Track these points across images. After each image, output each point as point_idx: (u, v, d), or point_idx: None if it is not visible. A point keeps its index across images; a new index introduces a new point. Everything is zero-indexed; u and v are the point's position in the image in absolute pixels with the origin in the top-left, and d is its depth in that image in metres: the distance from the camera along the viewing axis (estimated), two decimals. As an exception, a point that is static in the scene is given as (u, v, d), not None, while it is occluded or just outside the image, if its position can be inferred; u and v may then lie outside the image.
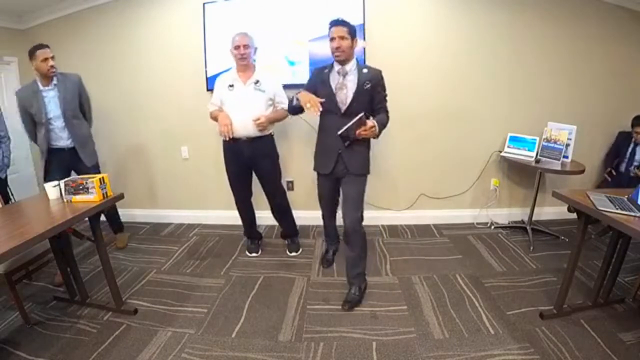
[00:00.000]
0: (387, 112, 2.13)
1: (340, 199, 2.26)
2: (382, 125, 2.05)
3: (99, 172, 2.53)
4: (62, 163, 2.53)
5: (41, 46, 2.36)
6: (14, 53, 3.35)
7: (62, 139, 2.52)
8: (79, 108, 2.60)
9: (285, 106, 2.49)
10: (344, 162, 2.10)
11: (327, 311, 2.09)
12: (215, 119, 2.48)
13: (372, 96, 2.05)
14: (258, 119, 2.33)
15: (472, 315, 2.02)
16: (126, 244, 3.05)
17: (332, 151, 2.12)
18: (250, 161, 2.50)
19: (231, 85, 2.40)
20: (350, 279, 2.19)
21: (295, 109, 2.19)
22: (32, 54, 2.35)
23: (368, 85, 2.01)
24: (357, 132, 1.92)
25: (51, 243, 2.06)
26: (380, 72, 2.08)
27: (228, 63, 2.97)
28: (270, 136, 2.55)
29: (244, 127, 2.36)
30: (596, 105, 3.14)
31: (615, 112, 3.12)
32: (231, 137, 2.34)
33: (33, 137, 2.60)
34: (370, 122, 1.96)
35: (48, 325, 1.99)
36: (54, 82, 2.45)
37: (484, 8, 2.92)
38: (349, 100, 2.02)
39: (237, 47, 2.34)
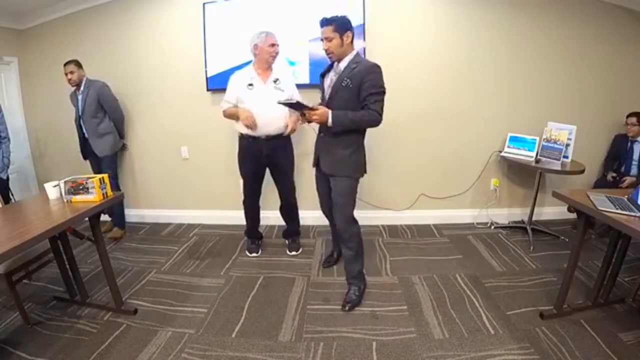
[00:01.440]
0: (372, 110, 1.87)
1: None
2: (349, 120, 1.88)
3: (113, 163, 3.16)
4: (88, 148, 3.07)
5: (67, 63, 2.86)
6: (14, 53, 3.35)
7: (84, 132, 3.03)
8: (102, 110, 3.02)
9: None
10: (319, 163, 2.14)
11: (327, 311, 2.09)
12: (230, 116, 2.49)
13: (358, 92, 1.88)
14: (287, 127, 2.41)
15: (472, 315, 2.02)
16: (121, 235, 3.17)
17: (316, 149, 2.19)
18: (268, 159, 2.52)
19: (250, 85, 2.40)
20: (350, 279, 2.19)
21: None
22: (64, 67, 2.87)
23: (347, 82, 1.88)
24: (302, 111, 1.92)
25: (51, 243, 2.06)
26: (370, 67, 1.88)
27: (228, 63, 2.98)
28: (288, 134, 2.56)
29: (265, 125, 2.38)
30: (596, 105, 3.14)
31: (616, 112, 3.12)
32: (256, 128, 2.35)
33: None
34: (322, 109, 1.86)
35: (48, 325, 1.99)
36: (82, 88, 2.94)
37: (484, 8, 2.92)
38: (327, 98, 2.00)
39: (272, 45, 2.35)
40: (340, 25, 1.87)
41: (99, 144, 3.02)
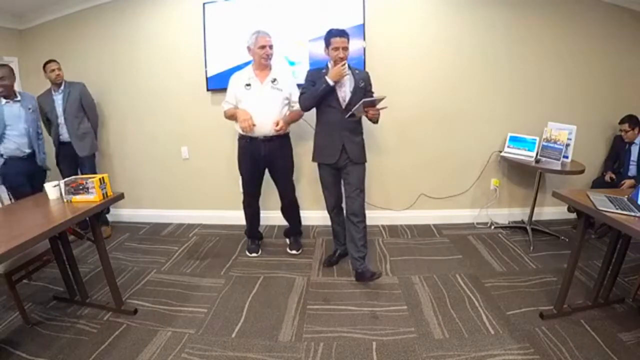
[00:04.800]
0: None
1: (343, 189, 2.44)
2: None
3: (93, 165, 3.15)
4: (67, 152, 3.02)
5: (49, 61, 2.89)
6: (14, 53, 3.34)
7: (64, 134, 2.98)
8: (83, 110, 3.03)
9: None
10: (347, 153, 2.30)
11: (327, 311, 2.09)
12: (231, 117, 2.49)
13: (365, 93, 2.29)
14: (277, 124, 2.36)
15: (472, 315, 2.02)
16: (110, 234, 3.22)
17: (337, 143, 2.29)
18: (266, 160, 2.51)
19: (248, 85, 2.40)
20: (359, 257, 2.33)
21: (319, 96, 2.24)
22: (44, 67, 2.90)
23: (362, 84, 2.28)
24: (367, 109, 2.16)
25: (51, 243, 2.06)
26: (368, 72, 2.39)
27: (228, 63, 2.98)
28: (287, 135, 2.55)
29: (262, 126, 2.37)
30: (596, 105, 3.14)
31: (616, 112, 3.11)
32: (253, 128, 2.33)
33: (49, 132, 3.07)
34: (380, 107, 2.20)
35: (48, 325, 1.99)
36: (62, 88, 2.94)
37: (484, 8, 2.92)
38: (347, 97, 2.25)
39: (263, 47, 2.34)
40: (349, 38, 2.22)
41: (81, 144, 3.00)
